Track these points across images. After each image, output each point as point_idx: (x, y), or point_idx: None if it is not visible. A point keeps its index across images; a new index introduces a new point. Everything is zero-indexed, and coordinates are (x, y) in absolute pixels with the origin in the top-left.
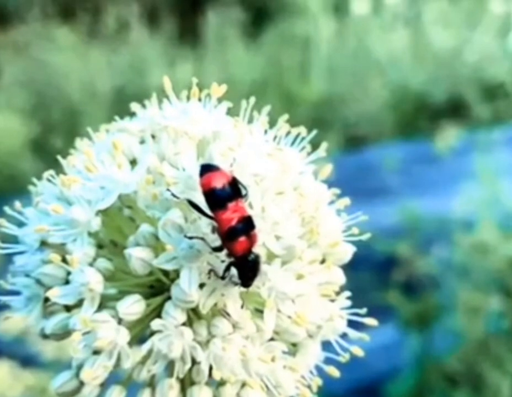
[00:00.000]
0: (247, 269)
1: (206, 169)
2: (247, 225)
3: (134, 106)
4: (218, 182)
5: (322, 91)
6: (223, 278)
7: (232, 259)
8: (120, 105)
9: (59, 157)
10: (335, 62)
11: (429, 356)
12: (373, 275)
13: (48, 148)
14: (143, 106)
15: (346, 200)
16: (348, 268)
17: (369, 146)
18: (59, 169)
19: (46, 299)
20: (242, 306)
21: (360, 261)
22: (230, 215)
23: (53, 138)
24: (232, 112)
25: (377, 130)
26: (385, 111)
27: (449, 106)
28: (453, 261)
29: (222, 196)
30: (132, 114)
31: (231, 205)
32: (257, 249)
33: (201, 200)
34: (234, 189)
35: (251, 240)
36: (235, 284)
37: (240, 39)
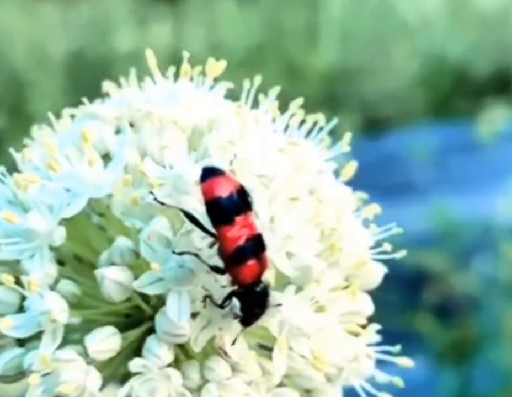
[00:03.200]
0: (253, 302)
1: (209, 173)
2: (257, 245)
3: (107, 85)
4: (224, 190)
5: (334, 61)
6: (222, 306)
7: (235, 287)
8: (77, 74)
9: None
10: (351, 25)
11: (468, 396)
12: (398, 296)
13: None
14: (118, 84)
15: (375, 208)
16: None
17: (393, 130)
18: (4, 159)
19: None
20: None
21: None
22: (238, 233)
23: None
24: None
25: (403, 111)
26: (414, 87)
27: (495, 81)
28: (498, 278)
29: (229, 207)
30: (103, 95)
31: (239, 219)
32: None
33: (195, 208)
34: (243, 200)
35: (262, 264)
36: (235, 317)
37: None
